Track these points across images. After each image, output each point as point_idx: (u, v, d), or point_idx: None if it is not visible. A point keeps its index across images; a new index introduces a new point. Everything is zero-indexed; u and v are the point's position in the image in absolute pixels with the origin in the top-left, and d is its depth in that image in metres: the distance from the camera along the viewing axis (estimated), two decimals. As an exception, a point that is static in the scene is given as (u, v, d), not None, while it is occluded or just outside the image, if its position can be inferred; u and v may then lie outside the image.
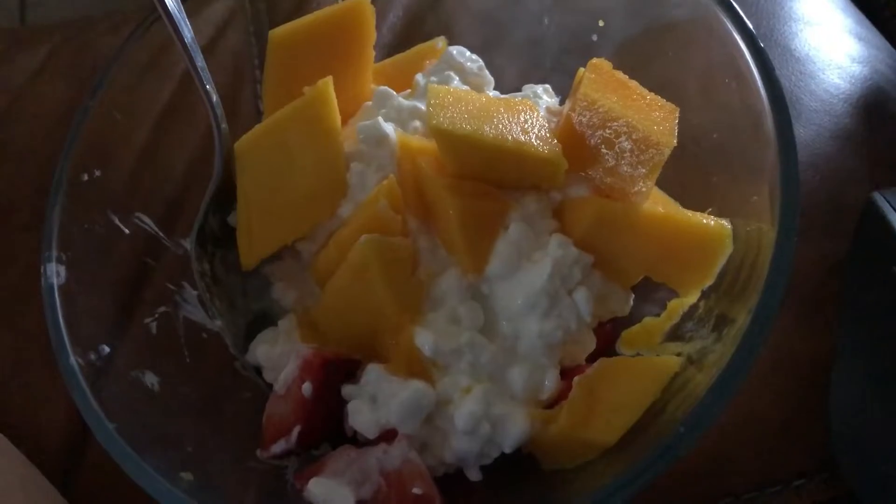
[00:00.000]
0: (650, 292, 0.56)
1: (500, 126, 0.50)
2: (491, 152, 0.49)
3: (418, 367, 0.50)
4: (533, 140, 0.50)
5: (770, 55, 0.70)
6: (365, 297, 0.51)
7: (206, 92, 0.55)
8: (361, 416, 0.50)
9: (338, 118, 0.55)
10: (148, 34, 0.60)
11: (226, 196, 0.58)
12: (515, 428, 0.49)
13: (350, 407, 0.51)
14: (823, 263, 0.61)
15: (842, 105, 0.68)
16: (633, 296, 0.56)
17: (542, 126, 0.51)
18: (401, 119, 0.57)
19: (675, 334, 0.53)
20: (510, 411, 0.49)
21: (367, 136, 0.55)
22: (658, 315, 0.54)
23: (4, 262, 0.69)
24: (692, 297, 0.52)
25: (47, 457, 0.60)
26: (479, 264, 0.51)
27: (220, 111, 0.56)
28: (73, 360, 0.47)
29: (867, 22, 0.77)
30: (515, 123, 0.50)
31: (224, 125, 0.57)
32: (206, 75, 0.55)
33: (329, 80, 0.55)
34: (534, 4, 0.65)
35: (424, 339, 0.49)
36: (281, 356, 0.54)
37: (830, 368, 0.57)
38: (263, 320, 0.58)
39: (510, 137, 0.49)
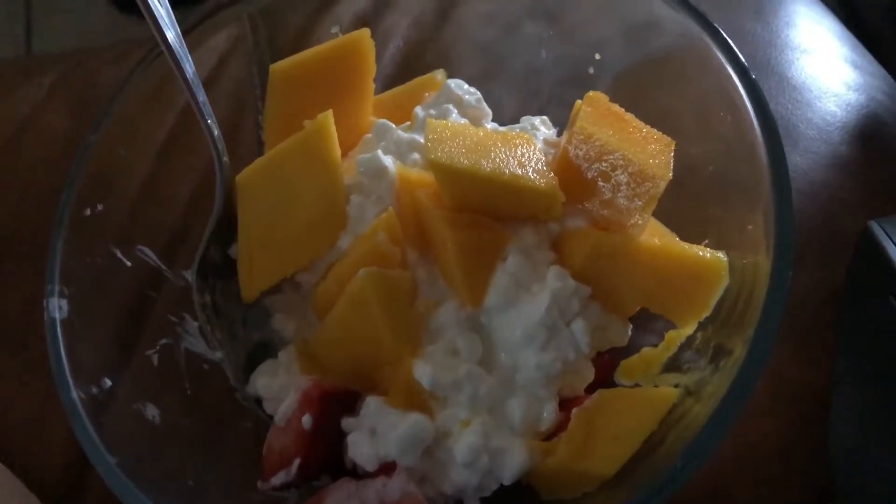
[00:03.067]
0: (648, 322, 0.56)
1: (497, 160, 0.50)
2: (488, 185, 0.50)
3: (417, 399, 0.50)
4: (530, 173, 0.50)
5: (766, 84, 0.72)
6: (364, 329, 0.51)
7: (208, 126, 0.56)
8: (361, 448, 0.50)
9: (338, 151, 0.56)
10: (151, 67, 0.60)
11: (227, 228, 0.58)
12: (514, 460, 0.49)
13: (349, 439, 0.51)
14: (820, 292, 0.61)
15: (838, 133, 0.69)
16: (631, 326, 0.56)
17: (538, 159, 0.52)
18: (400, 152, 0.57)
19: (673, 365, 0.53)
20: (509, 444, 0.49)
21: (367, 169, 0.55)
22: (656, 345, 0.54)
23: (8, 290, 0.69)
24: (689, 329, 0.52)
25: (47, 486, 0.60)
26: (478, 296, 0.52)
27: (221, 145, 0.57)
28: (74, 394, 0.47)
29: (863, 49, 0.77)
30: (512, 157, 0.51)
31: (225, 159, 0.57)
32: (207, 109, 0.56)
33: (329, 113, 0.56)
34: (531, 37, 0.66)
35: (423, 372, 0.50)
36: (281, 388, 0.54)
37: (829, 398, 0.57)
38: (264, 350, 0.59)
39: (507, 171, 0.50)
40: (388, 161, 0.55)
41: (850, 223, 0.62)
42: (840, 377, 0.57)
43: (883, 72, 0.75)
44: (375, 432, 0.50)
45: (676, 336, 0.53)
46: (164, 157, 0.63)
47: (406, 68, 0.74)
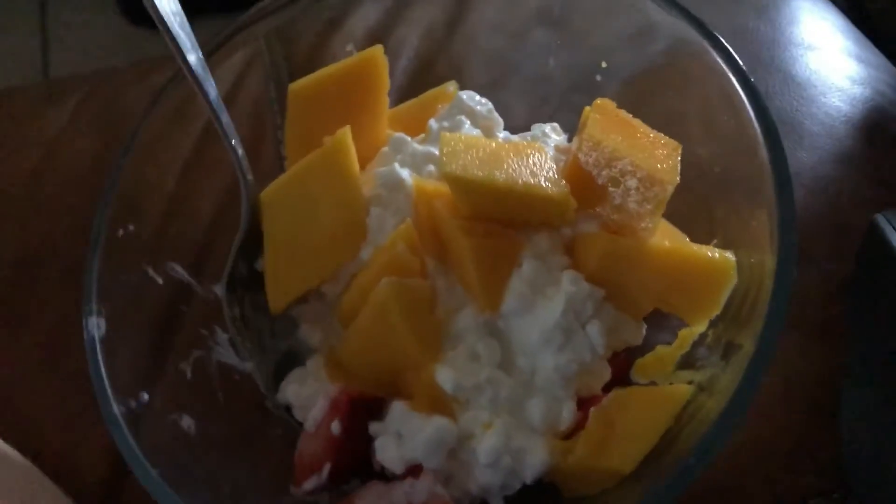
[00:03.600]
0: (662, 321, 0.57)
1: (510, 170, 0.52)
2: (502, 195, 0.52)
3: (440, 403, 0.52)
4: (542, 182, 0.52)
5: (770, 81, 0.73)
6: (387, 337, 0.53)
7: (232, 147, 0.58)
8: (388, 452, 0.52)
9: (356, 166, 0.58)
10: (176, 88, 0.62)
11: (253, 243, 0.60)
12: (535, 459, 0.51)
13: (377, 444, 0.53)
14: (828, 286, 0.63)
15: (844, 128, 0.70)
16: (646, 325, 0.57)
17: (550, 167, 0.53)
18: (416, 164, 0.59)
19: (687, 362, 0.54)
20: (530, 444, 0.51)
21: (385, 182, 0.57)
22: (670, 343, 0.56)
23: (42, 310, 0.72)
24: (701, 327, 0.54)
25: (85, 497, 0.63)
26: (495, 302, 0.53)
27: (245, 163, 0.59)
28: (115, 408, 0.50)
29: (866, 42, 0.78)
30: (525, 166, 0.53)
31: (249, 177, 0.60)
32: (231, 130, 0.58)
33: (347, 129, 0.58)
34: (539, 46, 0.68)
35: (445, 377, 0.51)
36: (310, 395, 0.56)
37: (840, 390, 0.58)
38: (292, 359, 0.61)
39: (520, 180, 0.52)
40: (405, 174, 0.57)
41: (857, 217, 0.63)
42: (850, 370, 0.59)
43: (888, 64, 0.76)
44: (401, 436, 0.52)
45: (689, 334, 0.55)
46: (189, 174, 0.66)
47: (418, 80, 0.76)
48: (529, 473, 0.51)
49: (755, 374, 0.42)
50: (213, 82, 0.57)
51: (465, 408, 0.52)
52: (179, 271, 0.61)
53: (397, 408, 0.53)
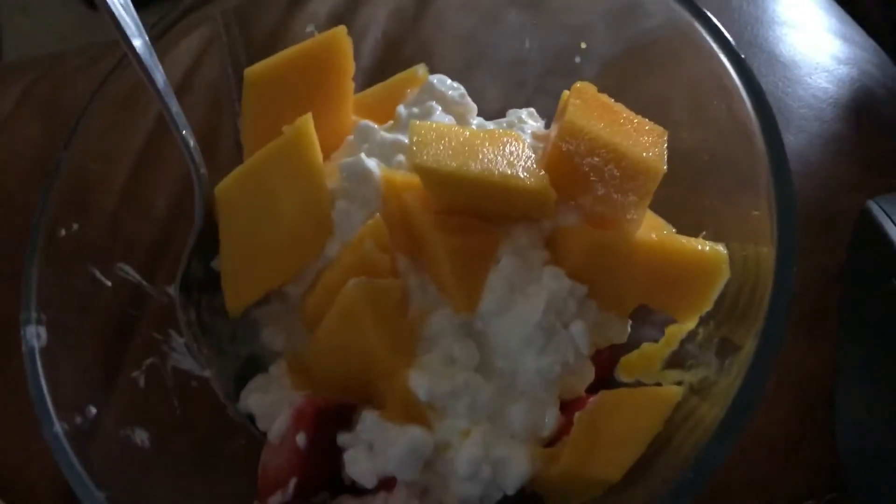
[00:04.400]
0: (647, 315, 0.55)
1: (486, 160, 0.48)
2: (477, 187, 0.48)
3: (415, 411, 0.49)
4: (519, 172, 0.49)
5: (755, 62, 0.70)
6: (356, 341, 0.50)
7: (183, 138, 0.54)
8: (359, 465, 0.49)
9: (319, 156, 0.54)
10: (121, 76, 0.58)
11: (208, 241, 0.56)
12: (517, 469, 0.48)
13: (347, 457, 0.50)
14: (820, 275, 0.60)
15: (831, 109, 0.67)
16: (630, 322, 0.54)
17: (528, 157, 0.50)
18: (384, 153, 0.55)
19: (675, 360, 0.52)
20: (511, 453, 0.48)
21: (350, 173, 0.54)
22: (657, 340, 0.53)
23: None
24: (690, 324, 0.51)
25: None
26: (472, 302, 0.50)
27: (198, 155, 0.55)
28: (57, 427, 0.46)
29: (850, 20, 0.76)
30: (501, 156, 0.49)
31: (203, 170, 0.56)
32: (181, 120, 0.54)
33: (308, 117, 0.54)
34: (514, 26, 0.64)
35: (419, 383, 0.48)
36: (273, 404, 0.53)
37: (833, 383, 0.56)
38: (253, 364, 0.57)
39: (496, 171, 0.48)
40: (373, 164, 0.54)
41: (848, 203, 0.61)
42: (844, 361, 0.56)
43: (871, 43, 0.74)
44: (373, 448, 0.49)
45: (677, 331, 0.52)
46: (140, 168, 0.61)
47: (385, 62, 0.72)
48: (511, 484, 0.48)
49: (758, 378, 0.39)
50: (161, 69, 0.53)
51: (442, 416, 0.49)
52: (130, 272, 0.57)
53: (368, 418, 0.49)
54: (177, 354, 0.56)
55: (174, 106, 0.53)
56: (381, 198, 0.53)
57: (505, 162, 0.49)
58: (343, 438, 0.50)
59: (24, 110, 0.78)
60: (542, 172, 0.49)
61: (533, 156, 0.51)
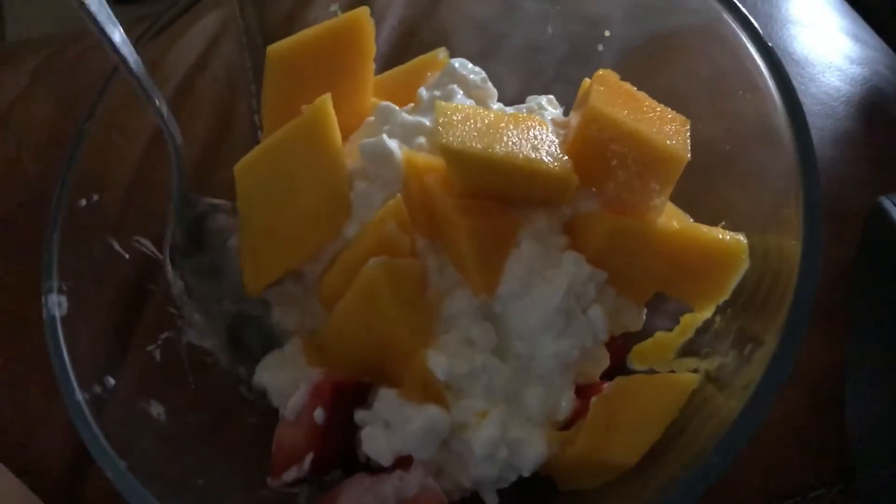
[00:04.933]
0: (661, 304, 0.55)
1: (511, 143, 0.49)
2: (501, 170, 0.48)
3: (432, 390, 0.49)
4: (543, 156, 0.49)
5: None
6: (375, 320, 0.50)
7: (152, 102, 0.53)
8: (375, 443, 0.49)
9: (338, 136, 0.54)
10: (143, 51, 0.58)
11: (186, 207, 0.56)
12: (533, 451, 0.48)
13: (364, 434, 0.50)
14: (831, 270, 0.60)
15: (843, 108, 0.68)
16: (646, 310, 0.55)
17: (552, 142, 0.50)
18: (405, 135, 0.55)
19: (690, 349, 0.52)
20: (527, 435, 0.48)
21: (371, 154, 0.53)
22: (671, 329, 0.53)
23: (-3, 285, 0.67)
24: (707, 313, 0.51)
25: (48, 485, 0.59)
26: (491, 284, 0.50)
27: (173, 125, 0.55)
28: (79, 395, 0.45)
29: (863, 22, 0.76)
30: (525, 140, 0.49)
31: (179, 139, 0.55)
32: (150, 85, 0.53)
33: (328, 97, 0.54)
34: (535, 13, 0.64)
35: (437, 363, 0.48)
36: (288, 379, 0.53)
37: (843, 376, 0.56)
38: (244, 323, 0.57)
39: (521, 154, 0.48)
40: (394, 145, 0.54)
41: (859, 199, 0.61)
42: (854, 355, 0.57)
43: (883, 45, 0.74)
44: (390, 426, 0.49)
45: (693, 320, 0.52)
46: (156, 143, 0.61)
47: (403, 47, 0.72)
48: (527, 466, 0.48)
49: (781, 369, 0.39)
50: (119, 27, 0.52)
51: (459, 396, 0.49)
52: (147, 245, 0.57)
53: (386, 396, 0.49)
54: (192, 330, 0.56)
55: (135, 62, 0.53)
56: (402, 179, 0.53)
57: (529, 145, 0.49)
58: (360, 416, 0.50)
59: (37, 88, 0.78)
60: (566, 158, 0.50)
61: (556, 140, 0.51)
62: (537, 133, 0.50)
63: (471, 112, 0.50)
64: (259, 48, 0.70)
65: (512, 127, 0.50)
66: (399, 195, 0.52)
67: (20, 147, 0.74)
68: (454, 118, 0.49)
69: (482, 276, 0.50)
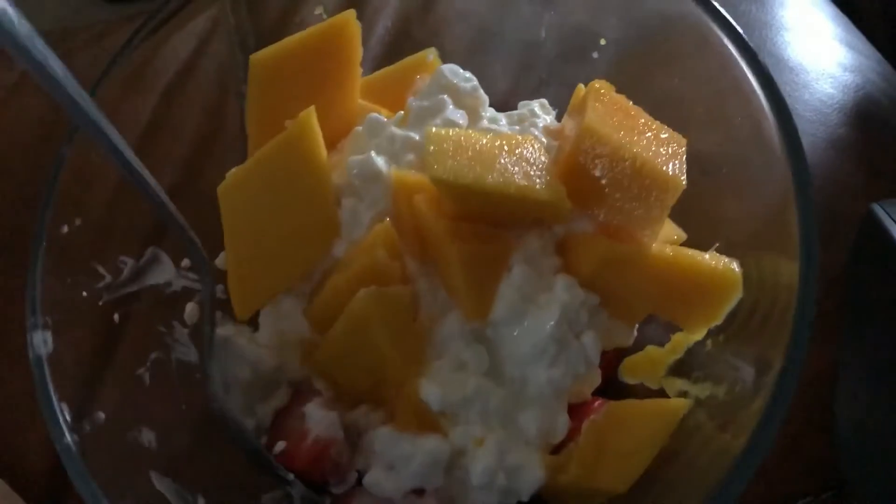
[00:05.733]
0: (652, 316, 0.55)
1: (502, 170, 0.47)
2: (493, 198, 0.47)
3: (427, 419, 0.49)
4: (536, 184, 0.48)
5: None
6: (366, 351, 0.50)
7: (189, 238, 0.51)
8: (382, 486, 0.49)
9: (323, 153, 0.53)
10: (127, 63, 0.56)
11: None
12: (532, 476, 0.48)
13: (367, 480, 0.50)
14: (823, 276, 0.60)
15: (836, 115, 0.68)
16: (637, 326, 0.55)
17: (544, 164, 0.49)
18: (393, 151, 0.54)
19: (680, 370, 0.52)
20: (525, 460, 0.48)
21: (360, 172, 0.53)
22: (662, 342, 0.53)
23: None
24: (698, 335, 0.51)
25: (30, 484, 0.60)
26: (483, 310, 0.50)
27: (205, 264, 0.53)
28: (68, 438, 0.45)
29: (856, 30, 0.76)
30: (517, 166, 0.48)
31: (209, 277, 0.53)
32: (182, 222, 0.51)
33: (311, 111, 0.52)
34: (530, 13, 0.63)
35: (431, 392, 0.48)
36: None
37: (834, 383, 0.57)
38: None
39: (513, 183, 0.47)
40: (382, 163, 0.53)
41: (851, 206, 0.61)
42: (845, 361, 0.57)
43: (876, 53, 0.74)
44: (393, 466, 0.49)
45: (684, 340, 0.52)
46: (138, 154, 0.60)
47: (395, 47, 0.71)
48: (526, 491, 0.49)
49: (782, 401, 0.39)
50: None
51: (454, 422, 0.49)
52: (131, 264, 0.56)
53: (382, 435, 0.49)
54: (181, 346, 0.56)
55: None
56: (392, 200, 0.52)
57: (521, 172, 0.48)
58: (361, 462, 0.51)
59: (27, 85, 0.76)
60: (559, 185, 0.48)
61: (549, 165, 0.49)
62: (530, 156, 0.49)
63: (462, 140, 0.49)
64: (250, 48, 0.68)
65: (505, 151, 0.49)
66: (388, 219, 0.51)
67: (11, 141, 0.73)
68: (444, 146, 0.48)
69: (474, 301, 0.50)
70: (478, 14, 0.67)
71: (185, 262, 0.58)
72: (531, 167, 0.48)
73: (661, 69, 0.57)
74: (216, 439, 0.53)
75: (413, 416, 0.49)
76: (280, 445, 0.51)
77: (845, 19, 0.75)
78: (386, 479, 0.49)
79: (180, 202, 0.60)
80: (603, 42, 0.60)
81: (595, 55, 0.60)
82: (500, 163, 0.48)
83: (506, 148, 0.49)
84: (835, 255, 0.61)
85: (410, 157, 0.54)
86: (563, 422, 0.50)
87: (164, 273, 0.58)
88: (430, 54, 0.63)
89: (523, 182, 0.47)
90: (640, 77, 0.56)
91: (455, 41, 0.66)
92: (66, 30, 0.80)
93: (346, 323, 0.49)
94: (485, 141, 0.49)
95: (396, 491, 0.49)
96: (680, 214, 0.53)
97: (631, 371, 0.54)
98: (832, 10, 0.76)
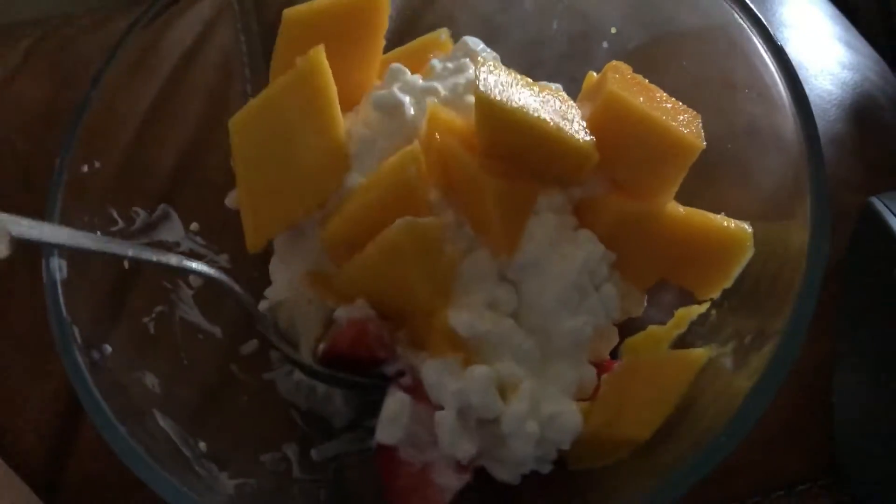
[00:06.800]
0: (655, 296, 0.55)
1: (543, 109, 0.48)
2: (531, 133, 0.47)
3: (460, 344, 0.48)
4: (572, 128, 0.48)
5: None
6: (396, 279, 0.49)
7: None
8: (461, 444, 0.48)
9: (333, 88, 0.53)
10: (132, 48, 0.57)
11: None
12: (571, 423, 0.48)
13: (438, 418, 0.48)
14: (822, 268, 0.61)
15: (835, 111, 0.69)
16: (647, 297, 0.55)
17: (577, 117, 0.50)
18: (416, 95, 0.54)
19: (683, 343, 0.52)
20: (562, 407, 0.48)
21: (380, 104, 0.53)
22: (663, 323, 0.54)
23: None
24: (702, 307, 0.52)
25: (28, 464, 0.58)
26: (512, 245, 0.49)
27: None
28: (78, 357, 0.44)
29: (854, 29, 0.78)
30: (555, 110, 0.49)
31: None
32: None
33: (321, 48, 0.52)
34: (542, 7, 0.65)
35: (460, 321, 0.48)
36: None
37: (832, 373, 0.57)
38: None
39: (552, 121, 0.47)
40: (406, 99, 0.53)
41: (850, 200, 0.62)
42: (843, 352, 0.58)
43: (873, 52, 0.76)
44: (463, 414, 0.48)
45: (687, 314, 0.52)
46: (156, 114, 0.60)
47: (403, 35, 0.72)
48: (566, 438, 0.48)
49: (790, 347, 0.40)
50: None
51: (492, 360, 0.48)
52: (144, 217, 0.56)
53: (431, 366, 0.48)
54: (185, 306, 0.55)
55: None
56: (422, 132, 0.52)
57: (559, 116, 0.48)
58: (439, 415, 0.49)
59: (30, 67, 0.76)
60: (591, 136, 0.49)
61: (581, 118, 0.50)
62: (566, 108, 0.50)
63: (510, 75, 0.49)
64: (255, 33, 0.69)
65: (545, 96, 0.49)
66: (417, 143, 0.50)
67: (12, 123, 0.72)
68: (494, 71, 0.48)
69: (505, 234, 0.49)
70: (488, 6, 0.68)
71: (195, 226, 0.59)
72: (568, 115, 0.49)
73: (674, 61, 0.59)
74: (221, 397, 0.53)
75: (446, 342, 0.48)
76: (322, 346, 0.50)
77: (843, 19, 0.78)
78: (460, 432, 0.48)
79: (184, 187, 0.60)
80: (613, 30, 0.61)
81: (605, 45, 0.62)
82: (541, 102, 0.48)
83: (548, 97, 0.50)
84: (834, 247, 0.61)
85: (433, 100, 0.54)
86: (590, 372, 0.50)
87: (174, 232, 0.58)
88: (443, 34, 0.63)
89: (562, 124, 0.48)
90: (651, 65, 0.57)
91: (465, 26, 0.66)
92: (66, 15, 0.81)
93: (379, 250, 0.48)
94: (528, 82, 0.50)
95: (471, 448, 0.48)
96: (686, 196, 0.53)
97: (633, 351, 0.54)
98: (830, 8, 0.79)
